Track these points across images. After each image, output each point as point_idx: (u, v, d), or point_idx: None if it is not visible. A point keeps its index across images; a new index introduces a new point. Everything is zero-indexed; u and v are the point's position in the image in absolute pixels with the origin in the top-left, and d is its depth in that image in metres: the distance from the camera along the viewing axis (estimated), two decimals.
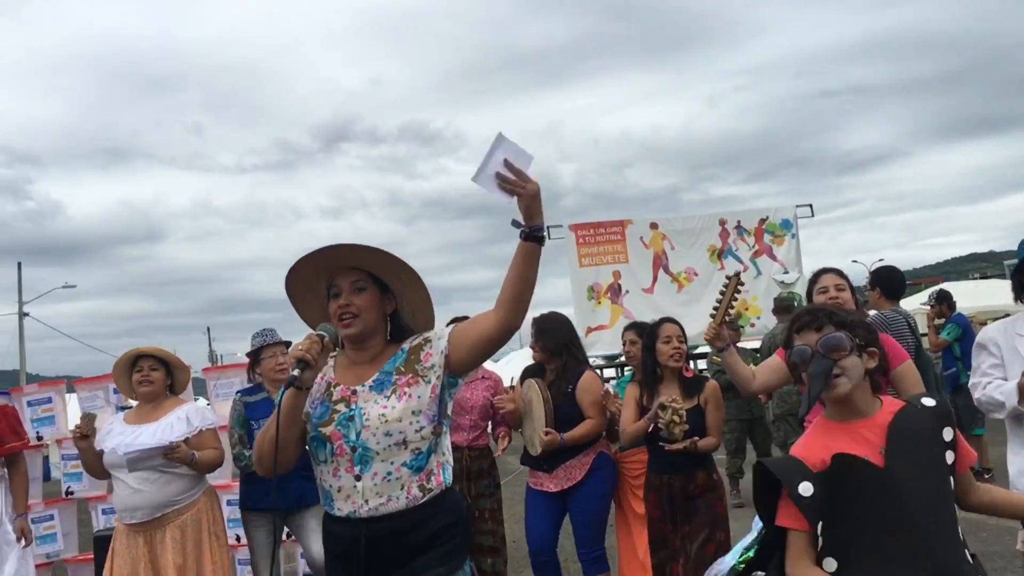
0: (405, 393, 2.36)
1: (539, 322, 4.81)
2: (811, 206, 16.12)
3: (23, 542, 4.66)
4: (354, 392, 2.43)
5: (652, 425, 4.21)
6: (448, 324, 2.73)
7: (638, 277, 15.62)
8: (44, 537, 5.44)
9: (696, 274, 15.63)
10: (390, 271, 2.47)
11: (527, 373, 4.89)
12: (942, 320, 9.09)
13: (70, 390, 6.53)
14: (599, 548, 4.63)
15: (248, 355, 4.83)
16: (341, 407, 2.40)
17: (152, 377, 4.34)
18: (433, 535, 2.32)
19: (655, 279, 15.74)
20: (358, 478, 2.33)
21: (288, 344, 4.81)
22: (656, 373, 4.39)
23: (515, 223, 2.26)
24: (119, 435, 4.25)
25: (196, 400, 5.17)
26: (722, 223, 15.80)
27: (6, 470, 4.72)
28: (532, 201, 2.24)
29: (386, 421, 2.32)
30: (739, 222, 15.80)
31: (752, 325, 12.66)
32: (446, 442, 2.44)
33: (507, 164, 2.20)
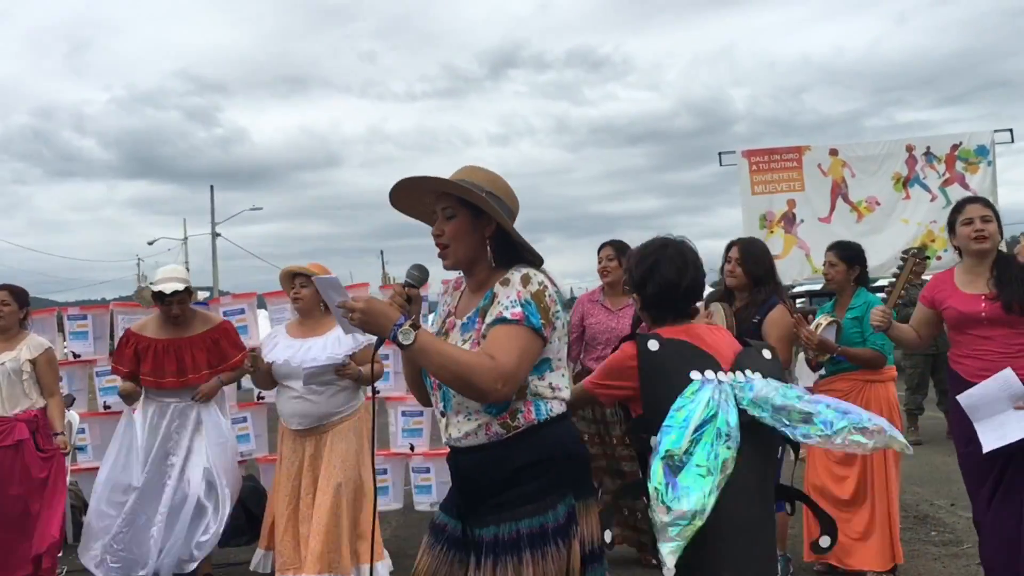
0: (479, 341, 2.30)
1: (744, 245, 4.48)
2: (1011, 131, 14.89)
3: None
4: (454, 327, 2.43)
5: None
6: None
7: (814, 205, 14.98)
8: (239, 437, 5.88)
9: (878, 203, 14.85)
10: (471, 196, 2.32)
11: (712, 298, 4.64)
12: None
13: (260, 305, 7.00)
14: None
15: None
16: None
17: (302, 294, 4.63)
18: (519, 469, 2.26)
19: (833, 208, 15.06)
20: (443, 414, 2.38)
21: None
22: None
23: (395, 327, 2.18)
24: (287, 348, 4.58)
25: None
26: (909, 149, 14.88)
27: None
28: (365, 324, 2.18)
29: None
30: (928, 148, 14.84)
31: (939, 258, 11.94)
32: (541, 382, 2.30)
33: (339, 304, 2.21)
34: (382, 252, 53.93)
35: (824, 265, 4.65)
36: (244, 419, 6.12)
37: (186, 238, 41.05)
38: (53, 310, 7.24)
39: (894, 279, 3.87)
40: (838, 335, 4.43)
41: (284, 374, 4.57)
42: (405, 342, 2.14)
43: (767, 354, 2.67)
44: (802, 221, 15.27)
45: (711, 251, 4.81)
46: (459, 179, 2.37)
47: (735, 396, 2.39)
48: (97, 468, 6.21)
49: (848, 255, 4.59)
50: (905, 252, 3.85)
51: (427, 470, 6.59)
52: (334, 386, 4.55)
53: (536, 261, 2.40)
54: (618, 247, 4.95)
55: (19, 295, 5.04)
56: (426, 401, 2.52)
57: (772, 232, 15.33)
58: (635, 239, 4.93)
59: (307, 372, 4.46)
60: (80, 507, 5.94)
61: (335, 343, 4.53)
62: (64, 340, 6.59)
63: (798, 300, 17.43)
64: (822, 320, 4.45)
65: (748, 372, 2.52)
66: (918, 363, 8.26)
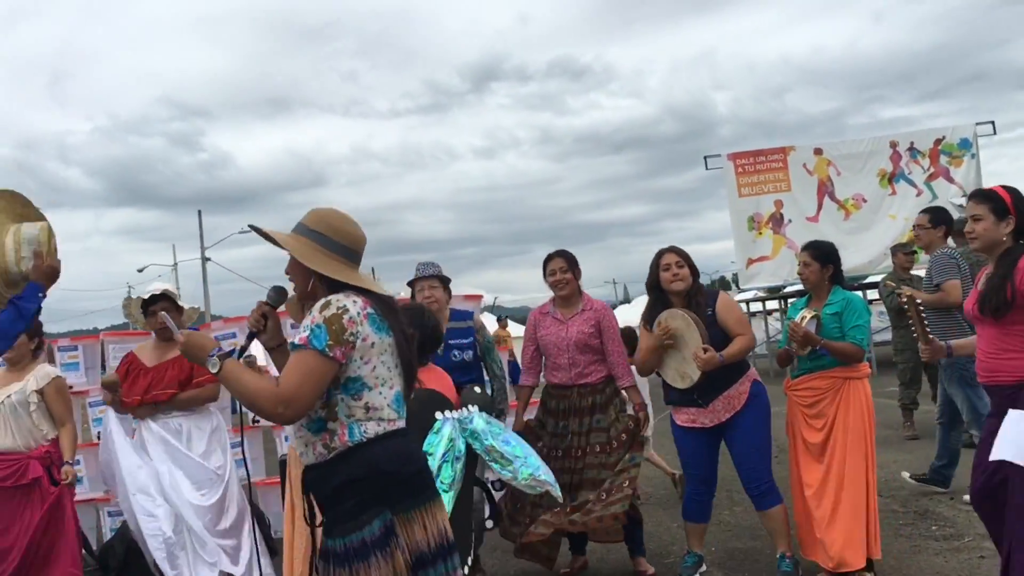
0: None
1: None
2: (993, 123, 14.97)
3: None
4: None
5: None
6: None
7: (801, 205, 15.06)
8: (236, 461, 5.84)
9: (865, 200, 14.92)
10: (271, 239, 2.61)
11: (650, 312, 4.73)
12: None
13: None
14: (768, 479, 4.54)
15: (408, 284, 4.99)
16: None
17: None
18: (337, 488, 2.44)
19: (820, 207, 15.14)
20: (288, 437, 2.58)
21: (446, 281, 4.90)
22: None
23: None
24: None
25: None
26: (893, 145, 14.96)
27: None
28: (186, 354, 2.55)
29: None
30: (912, 143, 14.92)
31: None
32: (356, 402, 2.45)
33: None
34: (373, 269, 53.58)
35: (799, 265, 4.72)
36: (239, 443, 6.07)
37: (176, 264, 40.93)
38: (45, 341, 7.21)
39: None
40: (818, 329, 4.47)
41: None
42: (212, 370, 2.43)
43: (477, 389, 4.16)
44: (790, 221, 15.33)
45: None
46: (302, 222, 2.63)
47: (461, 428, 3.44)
48: (92, 500, 6.22)
49: (821, 254, 4.65)
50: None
51: None
52: None
53: (370, 288, 2.56)
54: (568, 258, 4.94)
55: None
56: None
57: (761, 233, 15.39)
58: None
59: None
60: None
61: None
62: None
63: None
64: (805, 313, 4.52)
65: (470, 407, 3.92)
66: (910, 358, 8.26)
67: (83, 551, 5.20)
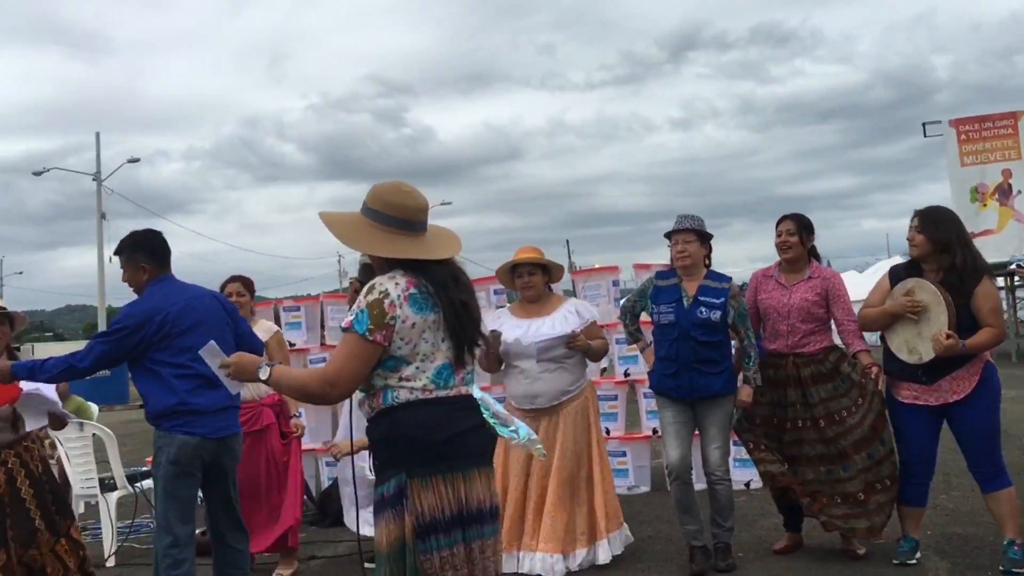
0: None
1: (926, 213, 4.37)
2: None
3: None
4: None
5: None
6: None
7: None
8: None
9: None
10: (327, 227, 2.80)
11: (898, 272, 4.47)
12: None
13: None
14: (998, 461, 4.27)
15: (665, 235, 4.80)
16: None
17: (532, 282, 4.75)
18: (374, 444, 2.69)
19: None
20: None
21: (704, 236, 4.71)
22: None
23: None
24: (516, 328, 4.71)
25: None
26: None
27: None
28: (238, 375, 2.77)
29: None
30: None
31: None
32: (393, 375, 2.59)
33: (220, 366, 2.80)
34: (568, 242, 54.23)
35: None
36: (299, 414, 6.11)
37: None
38: (270, 303, 7.80)
39: None
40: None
41: (515, 353, 4.71)
42: (263, 377, 2.68)
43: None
44: (1019, 192, 14.15)
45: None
46: (364, 201, 2.77)
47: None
48: (312, 450, 6.67)
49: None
50: None
51: (623, 454, 6.62)
52: (563, 365, 4.66)
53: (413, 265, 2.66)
54: (800, 221, 4.75)
55: (249, 285, 5.39)
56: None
57: (985, 205, 14.30)
58: (829, 220, 4.72)
59: (539, 347, 4.61)
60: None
61: (562, 321, 4.67)
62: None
63: (1015, 278, 16.08)
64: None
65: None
66: None
67: (304, 497, 5.59)
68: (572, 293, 6.87)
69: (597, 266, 7.08)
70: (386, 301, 2.55)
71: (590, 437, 4.72)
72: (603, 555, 4.63)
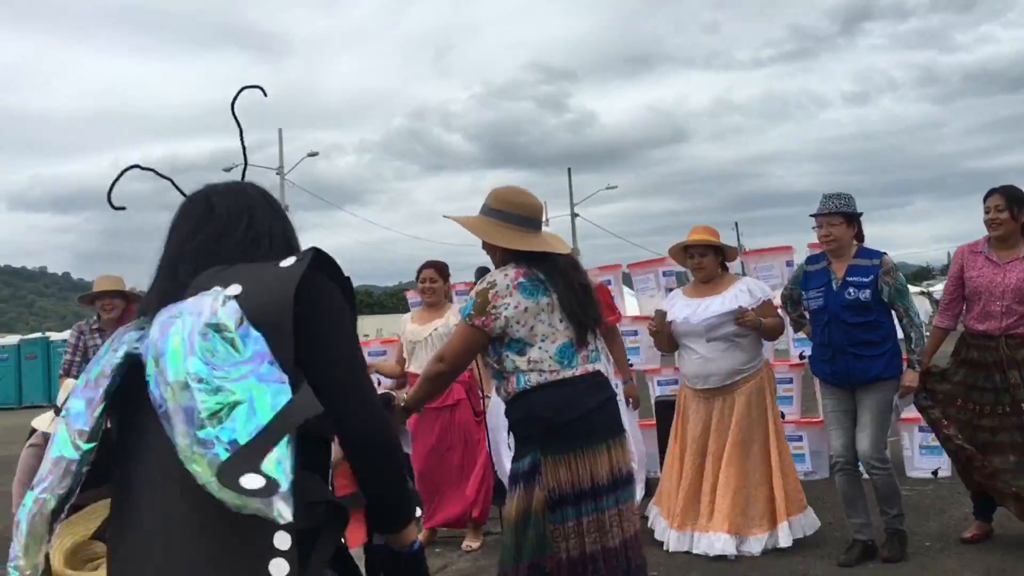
0: None
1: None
2: None
3: (631, 405, 5.21)
4: None
5: None
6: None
7: None
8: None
9: None
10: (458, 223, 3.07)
11: None
12: None
13: (626, 282, 7.56)
14: None
15: (811, 215, 4.65)
16: None
17: (703, 263, 4.74)
18: (511, 425, 2.96)
19: None
20: None
21: (851, 217, 4.51)
22: None
23: None
24: (686, 307, 4.71)
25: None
26: None
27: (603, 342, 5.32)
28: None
29: None
30: None
31: None
32: (521, 358, 2.86)
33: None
34: (736, 224, 52.73)
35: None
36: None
37: (547, 220, 43.25)
38: (453, 286, 8.05)
39: None
40: None
41: (684, 332, 4.73)
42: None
43: None
44: None
45: None
46: (485, 203, 3.04)
47: None
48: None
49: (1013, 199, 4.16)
50: None
51: (799, 438, 6.45)
52: (735, 343, 4.61)
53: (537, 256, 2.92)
54: (1010, 195, 4.41)
55: (443, 271, 5.49)
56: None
57: None
58: None
59: (707, 324, 4.60)
60: None
61: (733, 299, 4.62)
62: None
63: None
64: None
65: None
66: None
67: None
68: (743, 274, 6.73)
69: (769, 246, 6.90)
70: (491, 291, 2.86)
71: (767, 418, 4.64)
72: (784, 539, 4.55)
